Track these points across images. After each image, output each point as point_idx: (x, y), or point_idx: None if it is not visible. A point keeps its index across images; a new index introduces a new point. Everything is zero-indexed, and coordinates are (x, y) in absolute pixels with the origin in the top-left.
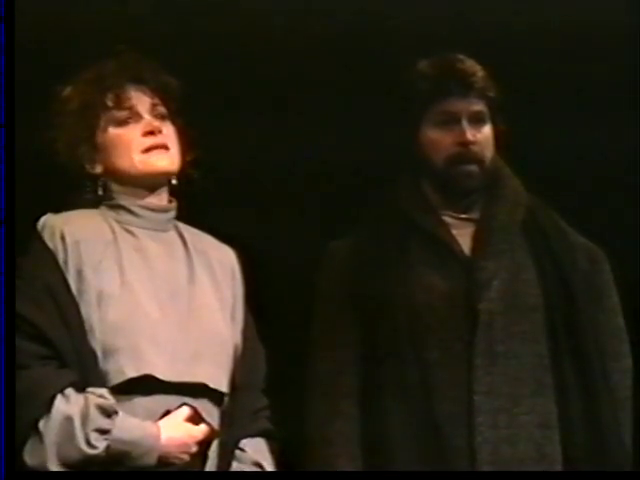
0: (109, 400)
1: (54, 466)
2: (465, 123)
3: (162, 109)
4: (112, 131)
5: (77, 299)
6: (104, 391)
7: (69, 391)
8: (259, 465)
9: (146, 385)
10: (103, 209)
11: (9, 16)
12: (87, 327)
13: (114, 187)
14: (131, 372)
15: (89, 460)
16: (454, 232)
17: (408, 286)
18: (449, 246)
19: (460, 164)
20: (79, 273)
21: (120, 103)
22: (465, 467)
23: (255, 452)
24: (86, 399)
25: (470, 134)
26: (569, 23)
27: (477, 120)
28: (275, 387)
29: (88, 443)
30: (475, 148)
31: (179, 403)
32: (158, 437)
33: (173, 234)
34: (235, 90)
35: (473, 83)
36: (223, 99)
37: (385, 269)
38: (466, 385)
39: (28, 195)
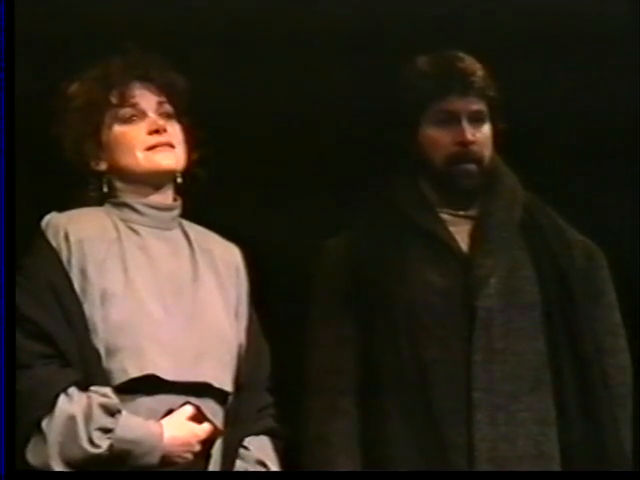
0: (112, 399)
1: (57, 465)
2: (465, 122)
3: (168, 107)
4: (117, 129)
5: (80, 298)
6: (107, 390)
7: (72, 390)
8: (263, 464)
9: (149, 385)
10: (107, 207)
11: (9, 15)
12: (90, 326)
13: (119, 185)
14: (134, 372)
15: (92, 459)
16: (452, 229)
17: (406, 284)
18: (447, 243)
19: (459, 163)
20: (83, 272)
21: (124, 101)
22: (463, 464)
23: (259, 450)
24: (89, 398)
25: (470, 133)
26: (569, 23)
27: (477, 119)
28: (276, 385)
29: (91, 442)
30: (474, 148)
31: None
32: (161, 436)
33: (178, 232)
34: (242, 88)
35: (473, 82)
36: (230, 95)
37: (383, 267)
38: (464, 382)
39: (30, 193)
